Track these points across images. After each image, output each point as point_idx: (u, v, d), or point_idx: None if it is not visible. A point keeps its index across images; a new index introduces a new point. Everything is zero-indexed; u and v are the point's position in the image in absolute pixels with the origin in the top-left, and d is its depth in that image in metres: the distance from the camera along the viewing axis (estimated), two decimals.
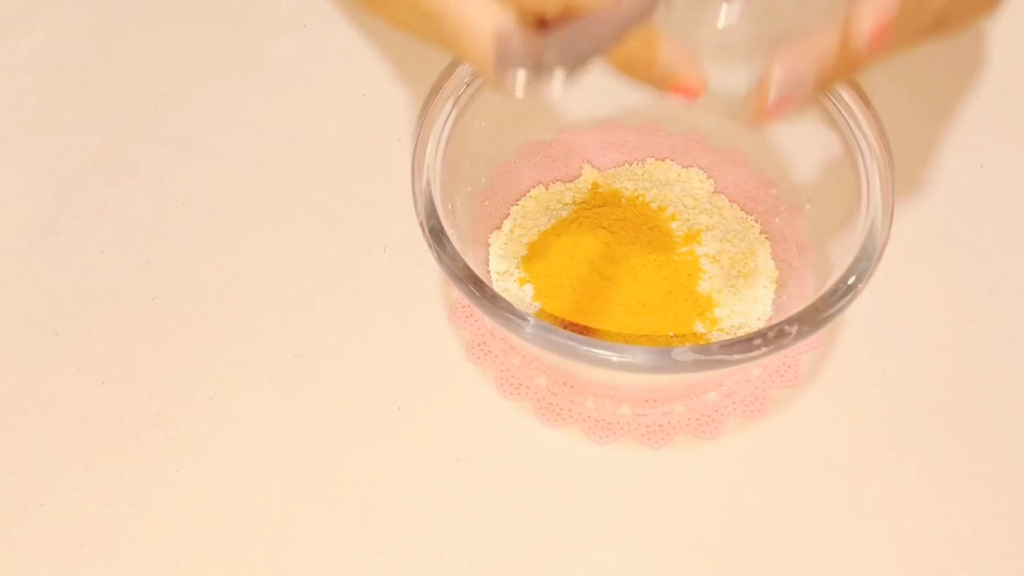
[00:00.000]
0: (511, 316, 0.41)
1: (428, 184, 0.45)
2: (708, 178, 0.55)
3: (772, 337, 0.41)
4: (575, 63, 0.33)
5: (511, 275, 0.51)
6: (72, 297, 0.54)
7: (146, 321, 0.53)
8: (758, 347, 0.40)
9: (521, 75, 0.32)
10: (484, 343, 0.51)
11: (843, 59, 0.35)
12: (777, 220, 0.52)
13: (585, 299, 0.48)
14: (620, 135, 0.55)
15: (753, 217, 0.53)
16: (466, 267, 0.43)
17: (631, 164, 0.55)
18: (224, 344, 0.52)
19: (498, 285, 0.50)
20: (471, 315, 0.52)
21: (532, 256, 0.51)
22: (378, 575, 0.45)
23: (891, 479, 0.48)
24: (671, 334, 0.48)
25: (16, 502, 0.48)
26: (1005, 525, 0.46)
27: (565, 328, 0.44)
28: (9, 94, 0.62)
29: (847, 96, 0.46)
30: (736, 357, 0.40)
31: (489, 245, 0.52)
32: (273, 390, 0.51)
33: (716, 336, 0.49)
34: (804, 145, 0.50)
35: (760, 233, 0.53)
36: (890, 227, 0.43)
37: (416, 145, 0.46)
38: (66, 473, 0.48)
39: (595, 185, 0.54)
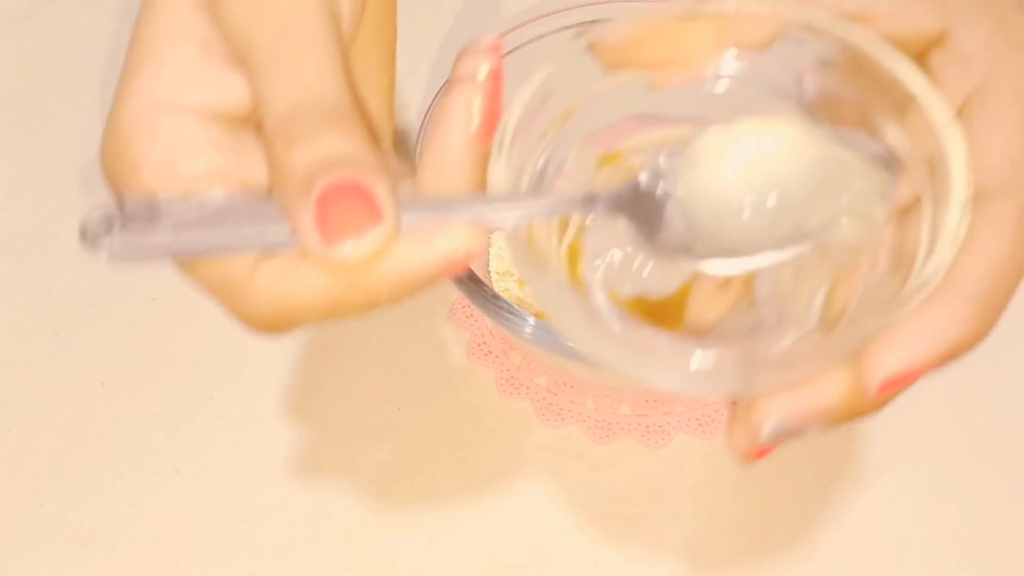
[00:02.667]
0: (511, 316, 0.41)
1: None
2: None
3: None
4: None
5: (511, 275, 0.51)
6: (72, 297, 0.54)
7: (146, 321, 0.53)
8: None
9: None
10: (484, 343, 0.51)
11: (852, 404, 0.29)
12: None
13: None
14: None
15: None
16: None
17: None
18: (224, 344, 0.52)
19: (498, 285, 0.50)
20: (471, 315, 0.52)
21: None
22: (379, 575, 0.45)
23: (891, 479, 0.48)
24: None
25: (16, 502, 0.48)
26: (1005, 525, 0.46)
27: None
28: (9, 94, 0.62)
29: None
30: None
31: (489, 245, 0.52)
32: (273, 390, 0.50)
33: None
34: None
35: None
36: None
37: (417, 145, 0.46)
38: (66, 473, 0.48)
39: None
